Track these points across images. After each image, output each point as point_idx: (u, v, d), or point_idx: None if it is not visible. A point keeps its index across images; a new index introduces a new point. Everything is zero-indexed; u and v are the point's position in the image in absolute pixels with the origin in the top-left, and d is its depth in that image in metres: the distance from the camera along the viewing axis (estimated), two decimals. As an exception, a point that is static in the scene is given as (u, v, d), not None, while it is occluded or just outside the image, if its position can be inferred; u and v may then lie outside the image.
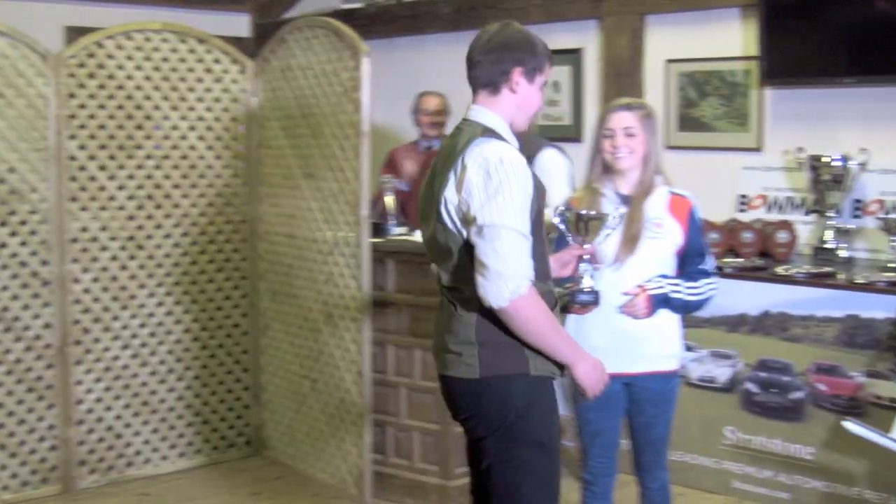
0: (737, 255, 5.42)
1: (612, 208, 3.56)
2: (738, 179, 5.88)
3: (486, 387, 3.08)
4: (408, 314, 5.12)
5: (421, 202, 3.23)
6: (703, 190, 6.00)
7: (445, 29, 7.24)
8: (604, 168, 3.75)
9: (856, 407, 4.70)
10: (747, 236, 5.47)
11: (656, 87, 6.24)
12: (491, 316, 2.99)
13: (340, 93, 5.01)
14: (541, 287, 3.03)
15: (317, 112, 5.16)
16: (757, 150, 5.82)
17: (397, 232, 5.45)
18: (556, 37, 6.67)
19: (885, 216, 5.13)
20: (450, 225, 3.05)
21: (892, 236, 5.01)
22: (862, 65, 5.30)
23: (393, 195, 5.63)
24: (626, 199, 3.70)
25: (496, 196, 2.92)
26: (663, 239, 3.69)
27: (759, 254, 5.46)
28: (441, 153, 3.17)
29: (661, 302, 3.65)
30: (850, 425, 3.85)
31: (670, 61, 6.19)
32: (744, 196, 5.85)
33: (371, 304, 4.98)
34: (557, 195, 5.23)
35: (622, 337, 3.67)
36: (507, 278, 2.89)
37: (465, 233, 3.01)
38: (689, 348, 5.24)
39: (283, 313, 5.49)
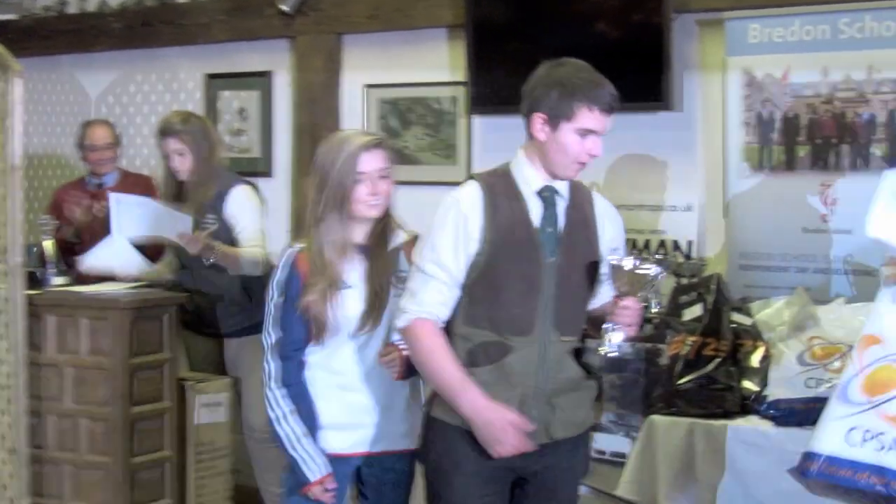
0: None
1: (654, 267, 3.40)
2: (446, 217, 5.89)
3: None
4: (72, 378, 4.88)
5: None
6: (411, 227, 5.99)
7: (116, 46, 6.98)
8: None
9: (578, 464, 4.74)
10: (458, 279, 5.47)
11: (354, 114, 6.18)
12: None
13: (-13, 118, 4.71)
14: (477, 335, 3.28)
15: (-42, 141, 4.82)
16: (466, 184, 5.85)
17: (58, 282, 5.21)
18: (243, 58, 6.54)
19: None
20: None
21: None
22: (578, 92, 5.40)
23: (53, 239, 5.36)
24: (366, 252, 3.57)
25: (427, 236, 3.34)
26: None
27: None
28: None
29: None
30: (574, 485, 3.86)
31: (370, 87, 6.15)
32: (453, 235, 5.86)
33: (27, 367, 4.71)
34: (249, 235, 5.11)
35: (367, 411, 3.56)
36: (400, 309, 3.32)
37: None
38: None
39: (-82, 380, 5.08)
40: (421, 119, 6.00)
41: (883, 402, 2.90)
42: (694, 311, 4.31)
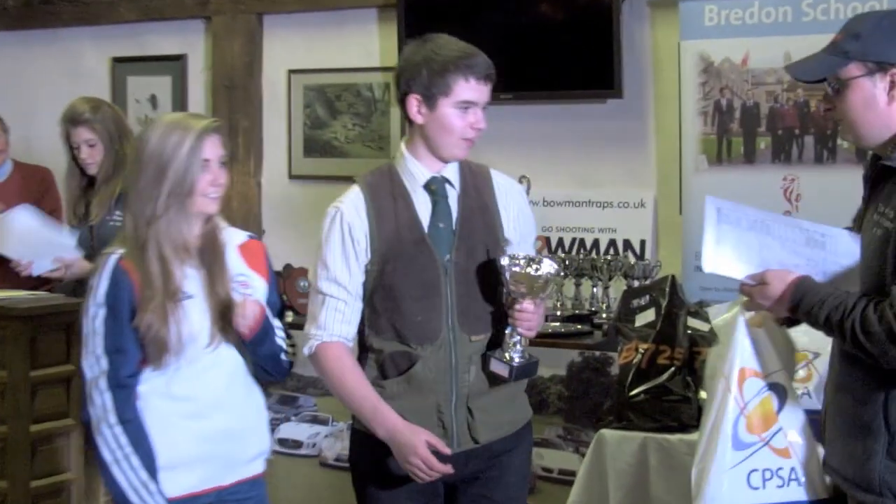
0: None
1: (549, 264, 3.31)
2: (378, 214, 5.89)
3: None
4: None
5: None
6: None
7: (11, 26, 6.91)
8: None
9: (522, 483, 4.76)
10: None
11: (277, 102, 6.17)
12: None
13: None
14: (387, 346, 3.32)
15: None
16: (400, 179, 5.85)
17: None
18: (153, 40, 6.49)
19: (547, 256, 5.23)
20: None
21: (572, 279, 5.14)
22: (521, 79, 5.36)
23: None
24: (201, 255, 3.30)
25: (317, 252, 3.33)
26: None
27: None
28: None
29: (267, 332, 3.34)
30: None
31: (294, 72, 6.14)
32: (385, 234, 5.87)
33: None
34: None
35: (219, 439, 3.33)
36: (304, 335, 3.34)
37: None
38: (321, 421, 5.18)
39: None
40: (350, 108, 5.99)
41: (772, 437, 2.96)
42: (646, 317, 4.31)
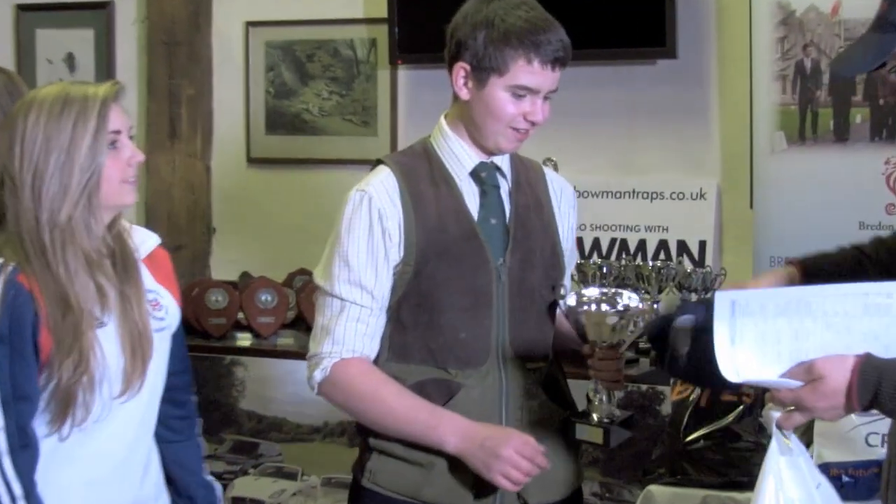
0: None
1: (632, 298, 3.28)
2: (360, 208, 5.90)
3: None
4: None
5: None
6: (312, 226, 6.03)
7: None
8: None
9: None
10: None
11: (232, 63, 6.21)
12: None
13: None
14: (413, 374, 3.28)
15: None
16: (389, 162, 5.86)
17: None
18: (71, -17, 6.51)
19: (584, 261, 5.22)
20: None
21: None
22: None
23: None
24: (113, 268, 3.10)
25: (328, 246, 3.32)
26: (168, 328, 3.24)
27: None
28: None
29: None
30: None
31: (253, 25, 6.17)
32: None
33: None
34: None
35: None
36: (311, 357, 3.29)
37: None
38: (287, 475, 5.19)
39: None
40: (326, 71, 6.01)
41: None
42: (708, 341, 4.33)
